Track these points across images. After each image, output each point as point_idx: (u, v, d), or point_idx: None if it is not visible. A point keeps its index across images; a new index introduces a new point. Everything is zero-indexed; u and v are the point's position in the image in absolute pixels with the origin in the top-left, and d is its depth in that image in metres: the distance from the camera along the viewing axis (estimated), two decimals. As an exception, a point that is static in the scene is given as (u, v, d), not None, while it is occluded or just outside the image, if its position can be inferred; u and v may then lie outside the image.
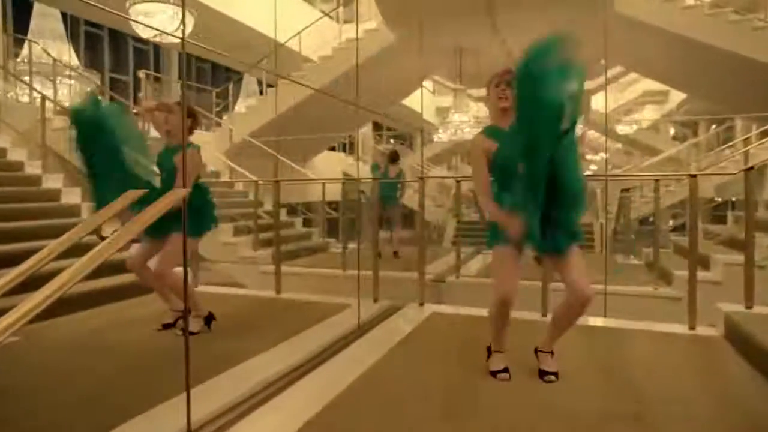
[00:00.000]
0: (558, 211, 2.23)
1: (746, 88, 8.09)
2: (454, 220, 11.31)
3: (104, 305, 3.81)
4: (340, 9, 11.42)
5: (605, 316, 3.69)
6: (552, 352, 2.50)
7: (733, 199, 9.21)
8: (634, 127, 16.04)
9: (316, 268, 6.15)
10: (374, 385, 2.45)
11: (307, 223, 8.89)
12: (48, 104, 6.38)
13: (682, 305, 3.51)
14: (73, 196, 5.48)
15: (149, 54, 11.94)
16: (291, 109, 8.05)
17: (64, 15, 8.85)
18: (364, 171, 11.75)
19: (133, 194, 1.95)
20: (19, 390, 2.32)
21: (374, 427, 2.05)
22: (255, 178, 6.64)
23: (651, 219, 8.60)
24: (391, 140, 19.64)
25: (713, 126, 14.88)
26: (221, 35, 9.28)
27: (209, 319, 3.24)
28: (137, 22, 6.08)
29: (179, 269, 2.84)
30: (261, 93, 11.27)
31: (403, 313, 3.74)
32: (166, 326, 3.22)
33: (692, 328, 3.24)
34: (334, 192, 8.07)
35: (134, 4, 5.95)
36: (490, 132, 2.48)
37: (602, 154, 19.08)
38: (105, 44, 11.13)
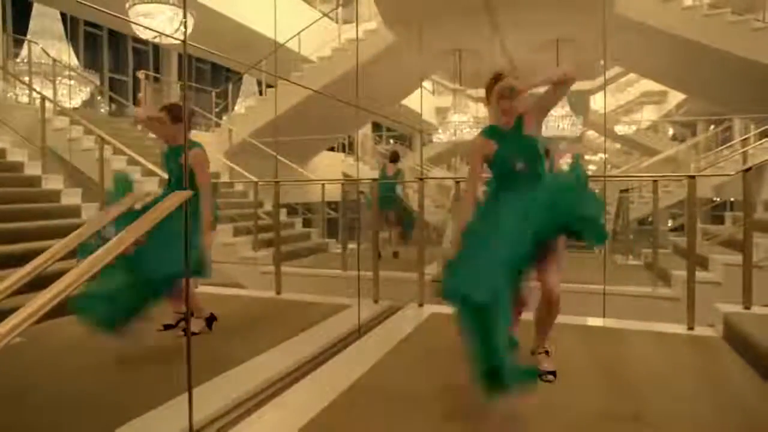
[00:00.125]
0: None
1: (744, 88, 8.12)
2: (453, 221, 11.31)
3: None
4: (340, 9, 11.43)
5: (604, 317, 3.71)
6: (547, 352, 2.51)
7: (732, 199, 9.23)
8: (633, 127, 16.07)
9: (316, 269, 6.16)
10: (374, 385, 2.46)
11: (306, 223, 8.90)
12: (48, 105, 6.39)
13: (680, 305, 3.52)
14: (73, 196, 5.49)
15: (148, 54, 11.95)
16: (290, 109, 8.07)
17: (63, 15, 8.85)
18: (364, 171, 11.76)
19: (137, 196, 1.95)
20: (21, 390, 2.33)
21: (375, 427, 2.07)
22: (255, 179, 6.65)
23: (650, 219, 8.62)
24: (391, 141, 19.66)
25: (712, 126, 14.91)
26: (220, 36, 9.28)
27: (210, 319, 3.26)
28: (137, 24, 6.08)
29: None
30: (260, 93, 11.28)
31: (403, 314, 3.75)
32: (167, 327, 3.23)
33: (691, 328, 3.26)
34: (333, 192, 8.08)
35: (134, 5, 5.94)
36: (490, 133, 2.46)
37: (601, 155, 19.12)
38: (104, 44, 11.14)
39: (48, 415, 2.11)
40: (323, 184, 7.43)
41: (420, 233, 4.71)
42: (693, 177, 3.50)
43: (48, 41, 8.09)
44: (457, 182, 6.32)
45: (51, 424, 2.05)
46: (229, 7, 9.86)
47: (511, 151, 2.38)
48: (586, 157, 21.61)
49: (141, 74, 8.81)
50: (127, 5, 5.99)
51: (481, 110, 12.30)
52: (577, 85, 6.94)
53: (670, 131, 19.30)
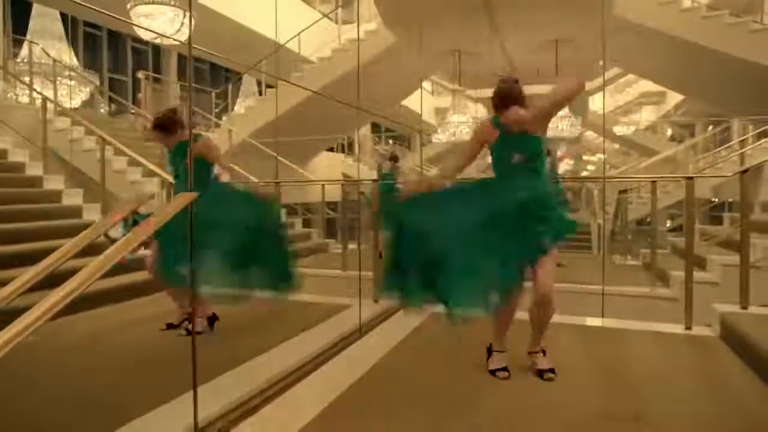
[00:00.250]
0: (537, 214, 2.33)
1: (743, 89, 8.15)
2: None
3: (105, 305, 3.82)
4: (339, 10, 11.44)
5: (603, 317, 3.74)
6: (543, 351, 2.54)
7: (730, 200, 9.25)
8: (632, 128, 16.10)
9: (316, 269, 6.17)
10: (375, 385, 2.49)
11: (306, 223, 8.91)
12: (48, 105, 6.40)
13: (678, 305, 3.55)
14: (74, 197, 5.50)
15: (148, 54, 11.96)
16: (290, 110, 8.08)
17: (63, 15, 8.86)
18: (364, 172, 11.77)
19: (141, 198, 1.97)
20: (26, 389, 2.35)
21: (375, 426, 2.09)
22: (255, 179, 6.65)
23: (648, 220, 8.64)
24: (390, 141, 19.68)
25: (710, 127, 14.94)
26: (220, 36, 9.30)
27: (212, 319, 3.28)
28: (138, 26, 6.09)
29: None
30: (260, 94, 11.29)
31: (404, 314, 3.76)
32: (170, 326, 3.25)
33: (688, 328, 3.29)
34: (333, 192, 8.10)
35: (135, 5, 5.95)
36: (497, 122, 2.48)
37: (600, 155, 19.15)
38: (104, 45, 11.14)
39: (51, 413, 2.12)
40: (323, 185, 7.44)
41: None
42: (691, 178, 3.54)
43: (48, 41, 8.10)
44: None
45: (55, 421, 2.07)
46: (229, 7, 9.88)
47: (512, 141, 2.42)
48: (585, 157, 21.68)
49: (141, 74, 8.85)
50: (128, 6, 6.00)
51: (481, 111, 12.34)
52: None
53: (669, 132, 19.35)
